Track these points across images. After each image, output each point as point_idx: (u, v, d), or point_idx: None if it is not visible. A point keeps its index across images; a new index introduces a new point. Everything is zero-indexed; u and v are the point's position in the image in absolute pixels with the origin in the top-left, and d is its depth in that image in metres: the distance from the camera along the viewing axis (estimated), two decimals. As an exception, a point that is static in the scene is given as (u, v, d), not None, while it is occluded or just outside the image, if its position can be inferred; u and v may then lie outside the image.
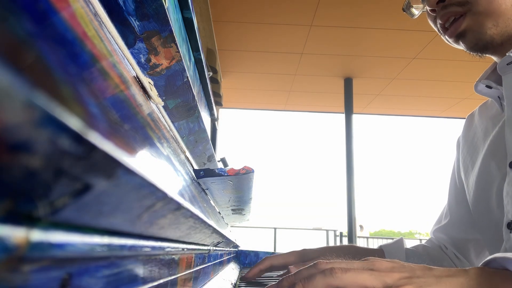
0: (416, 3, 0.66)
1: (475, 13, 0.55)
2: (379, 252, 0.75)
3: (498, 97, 0.64)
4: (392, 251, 0.74)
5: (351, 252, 0.70)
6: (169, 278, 0.31)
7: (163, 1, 0.33)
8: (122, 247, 0.19)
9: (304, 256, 0.72)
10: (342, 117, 4.45)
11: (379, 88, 4.43)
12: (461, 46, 0.60)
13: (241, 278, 0.81)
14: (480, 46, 0.58)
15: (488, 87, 0.63)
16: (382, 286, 0.36)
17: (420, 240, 7.08)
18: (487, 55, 0.61)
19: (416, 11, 0.67)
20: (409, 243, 0.79)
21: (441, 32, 0.61)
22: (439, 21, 0.60)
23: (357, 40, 3.46)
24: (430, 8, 0.59)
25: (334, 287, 0.36)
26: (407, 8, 0.67)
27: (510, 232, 0.57)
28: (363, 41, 3.48)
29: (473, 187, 0.68)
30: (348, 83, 4.27)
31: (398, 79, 4.17)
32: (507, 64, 0.56)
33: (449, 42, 0.61)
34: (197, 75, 0.71)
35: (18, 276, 0.10)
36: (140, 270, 0.23)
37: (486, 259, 0.40)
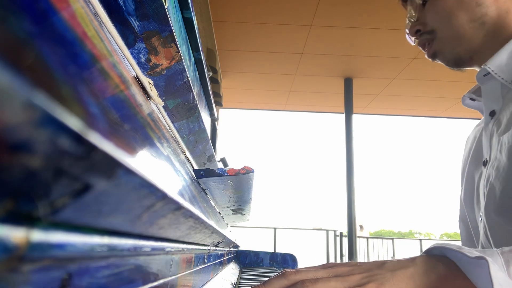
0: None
1: (440, 39, 0.69)
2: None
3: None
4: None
5: None
6: (169, 278, 0.31)
7: (163, 1, 0.33)
8: (122, 247, 0.19)
9: None
10: (342, 117, 4.45)
11: (379, 88, 4.43)
12: (440, 62, 0.72)
13: None
14: (452, 62, 0.70)
15: (472, 99, 0.73)
16: None
17: (420, 240, 7.05)
18: (466, 68, 0.71)
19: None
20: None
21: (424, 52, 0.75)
22: (419, 46, 0.75)
23: (357, 40, 3.45)
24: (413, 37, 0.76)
25: None
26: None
27: (480, 222, 0.62)
28: (363, 41, 3.47)
29: (463, 193, 0.73)
30: (348, 83, 4.27)
31: (398, 79, 4.17)
32: (484, 76, 0.64)
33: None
34: (197, 75, 0.71)
35: (18, 276, 0.10)
36: (140, 270, 0.23)
37: (429, 247, 0.43)
